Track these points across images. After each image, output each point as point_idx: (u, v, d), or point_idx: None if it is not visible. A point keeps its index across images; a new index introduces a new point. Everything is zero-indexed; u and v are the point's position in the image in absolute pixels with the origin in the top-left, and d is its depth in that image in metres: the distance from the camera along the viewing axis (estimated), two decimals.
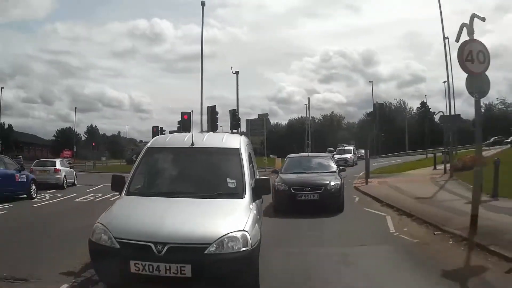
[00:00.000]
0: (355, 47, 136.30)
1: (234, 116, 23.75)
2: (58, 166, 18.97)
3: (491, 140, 45.96)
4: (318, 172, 10.52)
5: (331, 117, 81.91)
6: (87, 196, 14.45)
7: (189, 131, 16.08)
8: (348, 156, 33.90)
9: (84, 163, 49.36)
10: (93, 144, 57.41)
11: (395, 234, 7.01)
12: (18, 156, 46.86)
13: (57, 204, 12.53)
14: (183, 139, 5.25)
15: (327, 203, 9.27)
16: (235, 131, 22.97)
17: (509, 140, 39.29)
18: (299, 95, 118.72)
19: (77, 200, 13.57)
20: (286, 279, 4.61)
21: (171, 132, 25.30)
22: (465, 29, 6.41)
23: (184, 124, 23.27)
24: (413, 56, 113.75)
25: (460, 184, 13.02)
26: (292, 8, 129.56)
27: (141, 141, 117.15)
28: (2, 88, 52.36)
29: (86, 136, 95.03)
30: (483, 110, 69.92)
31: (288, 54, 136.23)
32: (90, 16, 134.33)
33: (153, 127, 31.65)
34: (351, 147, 36.83)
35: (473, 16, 6.30)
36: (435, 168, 21.18)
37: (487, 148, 38.05)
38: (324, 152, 32.96)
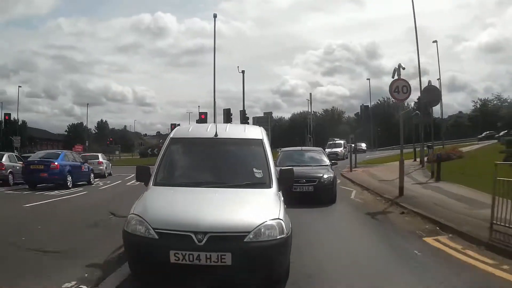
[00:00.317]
0: (359, 40, 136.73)
1: (243, 115, 28.04)
2: (100, 159, 23.26)
3: (483, 134, 48.03)
4: (311, 166, 11.07)
5: (332, 111, 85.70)
6: (133, 182, 18.48)
7: None
8: (338, 150, 34.84)
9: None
10: (111, 139, 61.64)
11: (353, 199, 11.25)
12: (36, 151, 50.54)
13: (116, 187, 16.65)
14: (206, 130, 5.34)
15: (321, 194, 9.81)
16: None
17: (500, 135, 40.86)
18: (303, 88, 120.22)
19: (128, 184, 17.63)
20: None
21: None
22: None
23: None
24: (416, 50, 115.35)
25: (423, 172, 16.94)
26: (296, 2, 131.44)
27: (145, 135, 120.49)
28: (19, 87, 56.34)
29: (96, 130, 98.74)
30: (478, 105, 72.82)
31: (292, 48, 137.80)
32: (93, 11, 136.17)
33: (171, 124, 35.93)
34: (342, 141, 37.63)
35: (399, 66, 10.25)
36: (415, 160, 24.88)
37: (476, 142, 41.11)
38: (326, 144, 35.91)
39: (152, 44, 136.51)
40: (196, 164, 5.08)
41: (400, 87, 10.24)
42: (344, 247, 5.89)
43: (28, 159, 16.70)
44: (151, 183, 4.67)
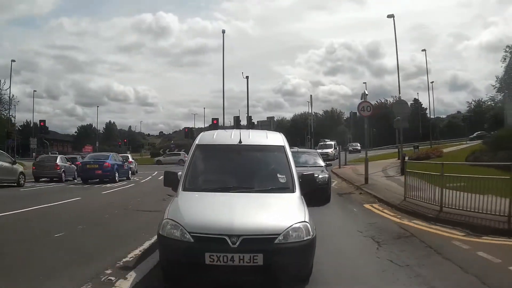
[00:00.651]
0: (360, 39, 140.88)
1: (249, 121, 32.38)
2: (130, 158, 27.68)
3: (474, 135, 49.73)
4: (306, 166, 11.45)
5: (331, 112, 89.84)
6: (161, 177, 22.78)
7: None
8: (329, 150, 36.57)
9: None
10: (125, 140, 65.91)
11: (333, 186, 15.14)
12: (54, 152, 54.51)
13: (152, 181, 20.95)
14: (230, 136, 5.53)
15: (317, 194, 9.74)
16: None
17: (473, 135, 43.00)
18: (305, 87, 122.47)
19: (159, 179, 21.86)
20: None
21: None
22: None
23: (214, 129, 31.53)
24: (418, 48, 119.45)
25: (397, 169, 21.07)
26: (298, 1, 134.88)
27: (148, 134, 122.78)
28: (34, 91, 59.75)
29: (103, 131, 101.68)
30: (473, 106, 75.78)
31: (294, 47, 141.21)
32: (95, 11, 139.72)
33: (185, 127, 39.89)
34: (332, 142, 39.79)
35: (364, 92, 14.49)
36: (398, 159, 28.99)
37: (465, 142, 44.17)
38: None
39: (154, 43, 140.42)
40: (222, 170, 5.31)
41: (365, 107, 14.50)
42: (316, 212, 10.03)
43: (83, 160, 21.10)
44: (180, 188, 4.86)
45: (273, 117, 47.49)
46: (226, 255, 3.77)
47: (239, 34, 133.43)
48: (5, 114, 41.31)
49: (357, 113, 17.46)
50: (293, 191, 4.79)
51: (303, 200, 4.70)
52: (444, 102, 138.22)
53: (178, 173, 5.19)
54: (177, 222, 4.04)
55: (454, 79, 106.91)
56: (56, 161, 21.28)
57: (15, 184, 16.94)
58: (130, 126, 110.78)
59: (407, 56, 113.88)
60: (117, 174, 19.82)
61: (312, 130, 49.76)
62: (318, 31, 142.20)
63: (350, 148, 44.32)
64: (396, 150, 44.16)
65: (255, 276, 3.86)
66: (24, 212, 9.37)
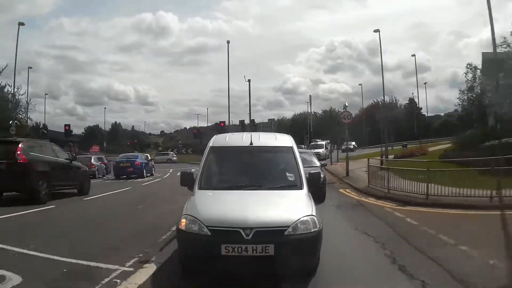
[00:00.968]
0: (361, 37, 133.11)
1: (253, 124, 36.29)
2: (150, 158, 31.64)
3: (468, 133, 54.03)
4: (303, 166, 15.07)
5: (330, 112, 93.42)
6: (179, 174, 26.77)
7: None
8: (320, 150, 37.27)
9: None
10: (135, 141, 69.94)
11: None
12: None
13: (172, 177, 24.85)
14: (241, 139, 6.00)
15: (314, 192, 13.73)
16: None
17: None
18: (305, 85, 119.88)
19: (178, 175, 25.85)
20: None
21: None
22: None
23: (219, 131, 35.10)
24: (418, 46, 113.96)
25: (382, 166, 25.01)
26: (298, 0, 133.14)
27: (150, 134, 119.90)
28: (46, 94, 61.44)
29: (109, 131, 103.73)
30: (466, 104, 78.99)
31: (294, 45, 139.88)
32: (95, 11, 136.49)
33: (194, 128, 43.29)
34: (323, 142, 41.42)
35: (345, 104, 18.48)
36: (386, 157, 32.94)
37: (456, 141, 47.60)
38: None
39: (154, 43, 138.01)
40: (235, 169, 5.65)
41: (346, 115, 18.49)
42: None
43: (117, 160, 25.09)
44: (196, 187, 5.23)
45: (274, 119, 51.23)
46: (241, 246, 4.10)
47: (240, 33, 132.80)
48: (23, 117, 43.82)
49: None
50: (301, 188, 5.21)
51: (310, 196, 5.11)
52: (444, 100, 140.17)
53: (192, 171, 5.81)
54: (195, 217, 4.38)
55: (454, 77, 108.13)
56: (91, 160, 25.27)
57: None
58: (133, 126, 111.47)
59: (407, 54, 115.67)
60: (144, 171, 23.83)
61: (311, 130, 53.00)
62: (319, 30, 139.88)
63: (348, 147, 47.13)
64: (390, 148, 47.81)
65: (267, 265, 4.15)
66: (102, 196, 13.43)
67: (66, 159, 12.94)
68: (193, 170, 6.12)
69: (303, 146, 39.85)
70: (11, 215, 8.72)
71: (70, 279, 4.57)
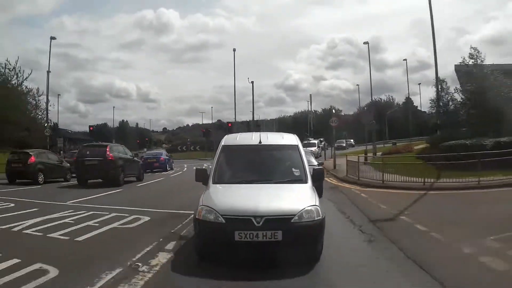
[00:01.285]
0: (362, 34, 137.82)
1: (256, 124, 40.76)
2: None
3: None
4: None
5: (330, 110, 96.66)
6: (194, 168, 31.29)
7: None
8: (313, 148, 37.61)
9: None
10: (146, 139, 74.24)
11: None
12: (74, 151, 58.83)
13: (190, 171, 29.51)
14: (251, 138, 6.58)
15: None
16: None
17: None
18: (307, 82, 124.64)
19: (194, 168, 30.50)
20: None
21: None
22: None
23: (226, 130, 39.07)
24: (419, 43, 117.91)
25: (368, 161, 29.50)
26: None
27: (152, 131, 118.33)
28: (58, 95, 63.61)
29: (117, 129, 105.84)
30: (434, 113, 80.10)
31: (296, 42, 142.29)
32: (96, 8, 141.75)
33: (197, 125, 46.67)
34: (316, 141, 42.53)
35: (332, 110, 23.02)
36: (374, 154, 37.19)
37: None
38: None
39: (156, 40, 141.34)
40: (246, 166, 6.27)
41: (334, 120, 23.13)
42: None
43: (145, 156, 29.68)
44: (210, 182, 5.83)
45: (275, 119, 55.14)
46: (252, 232, 4.61)
47: (241, 30, 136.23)
48: (42, 118, 45.82)
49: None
50: (305, 182, 5.72)
51: (314, 189, 5.61)
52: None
53: (205, 166, 7.29)
54: (211, 208, 4.90)
55: (454, 75, 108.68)
56: None
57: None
58: (137, 123, 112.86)
59: (409, 51, 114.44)
60: (167, 166, 28.49)
61: (312, 128, 56.29)
62: (320, 27, 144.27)
63: (347, 143, 51.81)
64: (382, 145, 49.70)
65: (275, 250, 4.66)
66: (151, 183, 18.06)
67: (131, 155, 17.67)
68: (205, 165, 10.02)
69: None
70: (106, 193, 13.46)
71: (172, 217, 9.05)
